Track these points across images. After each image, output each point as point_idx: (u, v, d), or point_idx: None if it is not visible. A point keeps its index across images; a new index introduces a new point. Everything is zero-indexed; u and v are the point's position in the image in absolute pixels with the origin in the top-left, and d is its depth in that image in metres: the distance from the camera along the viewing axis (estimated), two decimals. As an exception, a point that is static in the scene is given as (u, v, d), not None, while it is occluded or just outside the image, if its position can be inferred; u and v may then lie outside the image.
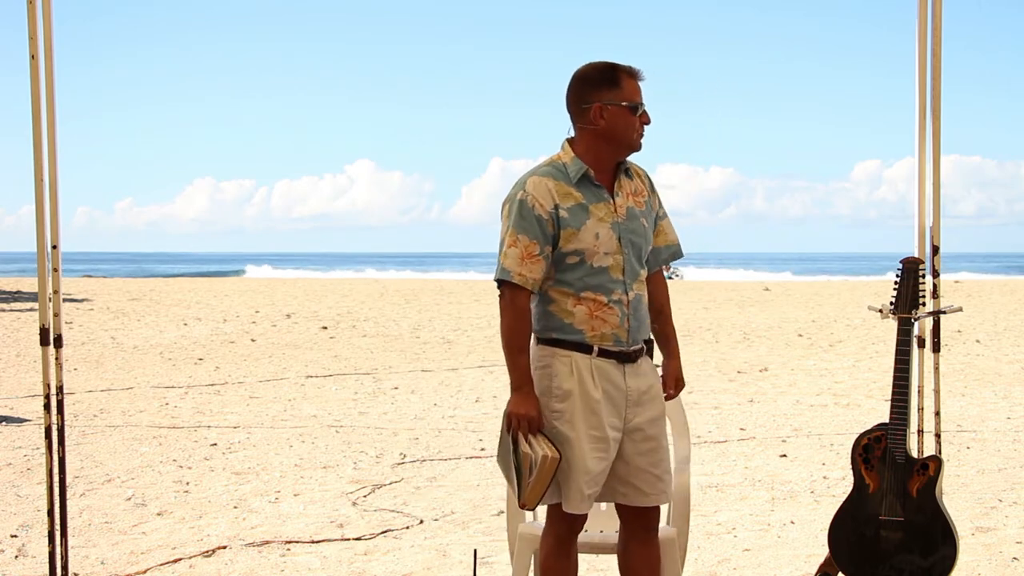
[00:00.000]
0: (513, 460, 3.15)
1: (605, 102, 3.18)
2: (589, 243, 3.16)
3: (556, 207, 3.15)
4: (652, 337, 3.38)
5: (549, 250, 3.17)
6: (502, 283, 3.17)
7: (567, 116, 3.27)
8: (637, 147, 3.26)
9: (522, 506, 3.18)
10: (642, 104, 3.23)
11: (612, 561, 4.62)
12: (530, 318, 3.20)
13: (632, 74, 3.22)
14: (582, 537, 3.77)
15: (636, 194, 3.30)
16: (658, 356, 3.41)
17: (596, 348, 3.19)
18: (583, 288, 3.18)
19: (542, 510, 3.41)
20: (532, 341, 3.26)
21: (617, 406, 3.21)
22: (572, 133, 3.28)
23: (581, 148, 3.24)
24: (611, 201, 3.22)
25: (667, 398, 3.40)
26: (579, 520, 3.30)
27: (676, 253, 3.46)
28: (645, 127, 3.25)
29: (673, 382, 3.44)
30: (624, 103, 3.18)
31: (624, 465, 3.25)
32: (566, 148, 3.26)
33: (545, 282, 3.21)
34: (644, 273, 3.31)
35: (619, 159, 3.28)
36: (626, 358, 3.23)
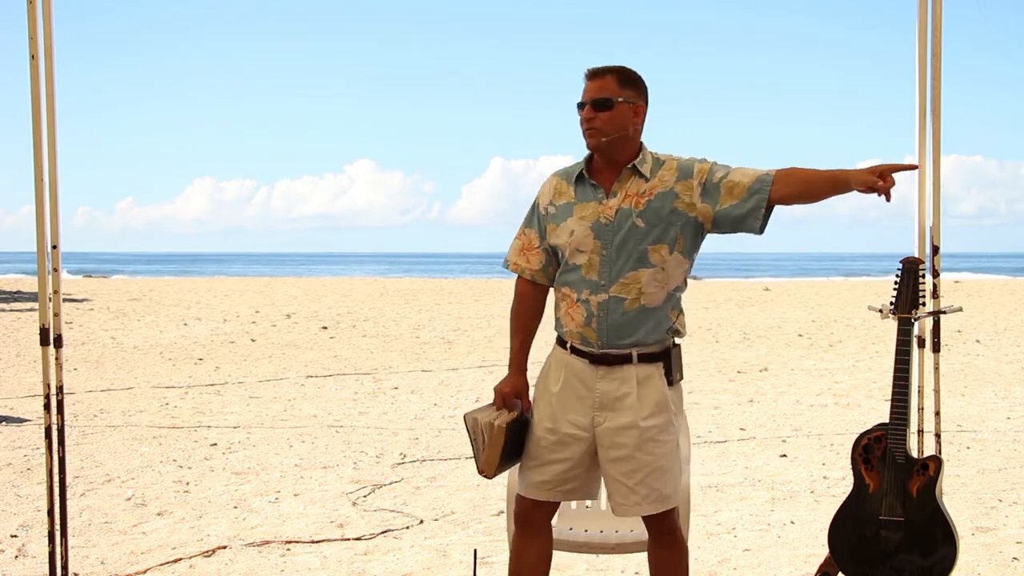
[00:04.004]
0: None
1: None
2: (563, 239, 3.26)
3: (550, 203, 3.31)
4: (670, 354, 3.23)
5: (548, 243, 3.32)
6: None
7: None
8: (587, 144, 3.25)
9: (480, 472, 3.29)
10: (582, 102, 3.22)
11: (612, 561, 4.63)
12: (528, 304, 3.40)
13: (585, 74, 3.26)
14: (582, 536, 3.78)
15: (643, 194, 3.17)
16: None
17: (569, 344, 3.29)
18: (563, 284, 3.30)
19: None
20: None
21: (584, 405, 3.25)
22: None
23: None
24: (604, 202, 3.20)
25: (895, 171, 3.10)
26: (533, 505, 3.33)
27: (760, 190, 3.15)
28: (588, 123, 3.20)
29: (876, 175, 3.07)
30: (578, 103, 3.25)
31: (603, 471, 3.31)
32: None
33: (557, 277, 3.34)
34: (639, 276, 3.15)
35: (598, 157, 3.26)
36: (599, 360, 3.22)
